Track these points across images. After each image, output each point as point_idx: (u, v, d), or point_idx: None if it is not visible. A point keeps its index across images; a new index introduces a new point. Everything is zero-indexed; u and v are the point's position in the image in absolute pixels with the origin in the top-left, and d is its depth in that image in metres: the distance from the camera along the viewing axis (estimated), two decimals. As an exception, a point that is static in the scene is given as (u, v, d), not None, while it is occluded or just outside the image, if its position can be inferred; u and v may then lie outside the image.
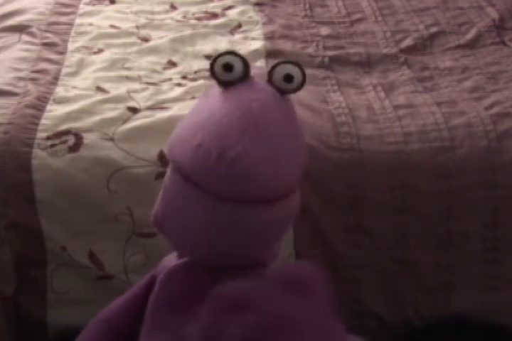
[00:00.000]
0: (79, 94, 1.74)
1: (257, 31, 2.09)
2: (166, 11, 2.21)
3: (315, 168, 1.58)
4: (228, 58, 1.11)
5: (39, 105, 1.69)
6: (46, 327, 1.60)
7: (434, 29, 2.13)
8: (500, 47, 2.04)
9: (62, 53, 1.95)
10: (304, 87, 1.12)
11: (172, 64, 1.92)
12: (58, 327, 1.60)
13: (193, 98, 1.73)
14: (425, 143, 1.64)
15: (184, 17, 2.17)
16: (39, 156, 1.57)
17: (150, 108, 1.70)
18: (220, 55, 1.12)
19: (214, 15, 2.18)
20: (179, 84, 1.80)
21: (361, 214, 1.60)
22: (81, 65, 1.89)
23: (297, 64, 1.11)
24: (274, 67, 1.11)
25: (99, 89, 1.78)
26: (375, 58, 2.00)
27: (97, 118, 1.65)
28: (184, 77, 1.85)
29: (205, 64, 1.90)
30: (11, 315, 1.59)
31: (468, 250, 1.64)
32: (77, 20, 2.12)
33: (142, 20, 2.14)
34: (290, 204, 1.14)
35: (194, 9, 2.22)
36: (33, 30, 2.04)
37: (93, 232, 1.57)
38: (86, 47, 1.98)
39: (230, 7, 2.23)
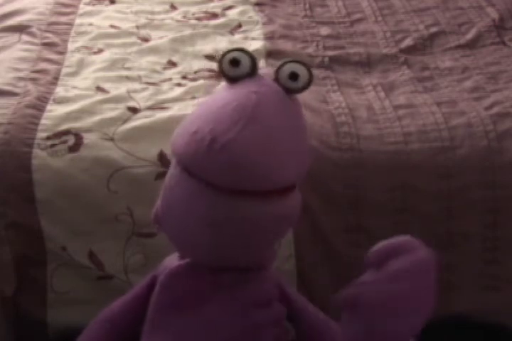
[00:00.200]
0: (79, 94, 1.74)
1: (257, 31, 2.09)
2: (166, 11, 2.22)
3: (315, 168, 1.58)
4: (236, 54, 1.13)
5: (39, 105, 1.69)
6: (46, 327, 1.60)
7: (434, 29, 2.13)
8: (500, 47, 2.04)
9: (62, 53, 1.95)
10: (311, 85, 1.14)
11: (172, 64, 1.92)
12: (58, 327, 1.60)
13: (193, 98, 1.73)
14: (425, 143, 1.64)
15: (184, 17, 2.18)
16: (39, 156, 1.57)
17: (150, 108, 1.70)
18: (229, 51, 1.15)
19: (214, 15, 2.18)
20: (179, 84, 1.80)
21: (361, 214, 1.60)
22: (81, 65, 1.89)
23: (304, 63, 1.13)
24: (280, 66, 1.13)
25: (99, 89, 1.78)
26: (375, 58, 2.00)
27: (97, 118, 1.65)
28: (184, 77, 1.85)
29: (205, 64, 1.90)
30: (11, 315, 1.59)
31: (468, 250, 1.64)
32: (77, 20, 2.12)
33: (142, 20, 2.14)
34: (288, 202, 1.14)
35: (194, 9, 2.22)
36: (33, 30, 2.04)
37: (93, 232, 1.57)
38: (86, 47, 1.98)
39: (230, 7, 2.23)
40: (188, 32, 2.07)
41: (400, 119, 1.70)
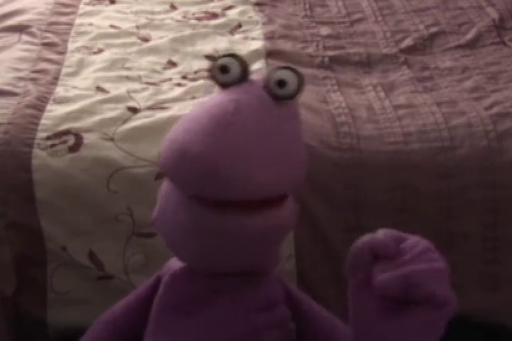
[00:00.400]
0: (79, 94, 1.74)
1: (257, 31, 2.09)
2: (166, 11, 2.22)
3: (315, 168, 1.58)
4: (225, 60, 1.11)
5: (39, 105, 1.69)
6: (46, 327, 1.60)
7: (434, 29, 2.13)
8: (500, 47, 2.04)
9: (62, 53, 1.95)
10: (301, 93, 1.10)
11: (172, 64, 1.92)
12: (58, 327, 1.60)
13: (193, 98, 1.73)
14: (425, 143, 1.64)
15: (184, 17, 2.18)
16: (39, 156, 1.57)
17: (150, 108, 1.70)
18: (220, 56, 1.12)
19: (214, 15, 2.18)
20: (179, 84, 1.80)
21: (361, 214, 1.60)
22: (81, 65, 1.89)
23: (295, 70, 1.09)
24: (270, 72, 1.10)
25: (99, 89, 1.78)
26: (375, 58, 2.00)
27: (97, 118, 1.65)
28: (184, 77, 1.85)
29: (205, 64, 1.90)
30: (11, 315, 1.58)
31: (468, 250, 1.64)
32: (77, 20, 2.13)
33: (142, 20, 2.14)
34: (277, 213, 1.11)
35: (194, 9, 2.23)
36: (33, 30, 2.04)
37: (93, 232, 1.57)
38: (86, 47, 1.98)
39: (230, 7, 2.23)
40: (188, 32, 2.07)
41: (400, 119, 1.70)
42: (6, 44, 1.98)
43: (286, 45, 2.02)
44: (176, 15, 2.19)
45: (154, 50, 1.98)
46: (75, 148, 1.59)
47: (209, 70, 1.12)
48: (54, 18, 2.13)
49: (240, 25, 2.12)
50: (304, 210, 1.58)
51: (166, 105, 1.71)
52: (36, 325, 1.60)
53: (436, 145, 1.63)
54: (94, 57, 1.93)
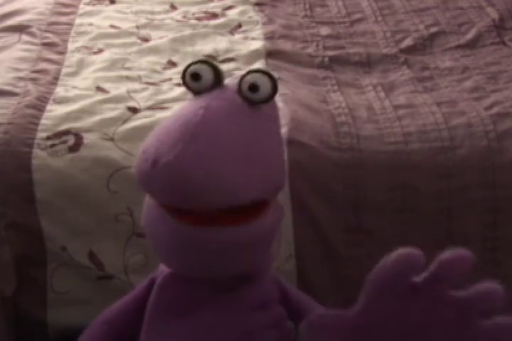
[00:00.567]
0: (79, 94, 1.74)
1: (257, 31, 2.09)
2: (166, 11, 2.22)
3: (315, 168, 1.58)
4: (197, 67, 1.10)
5: (39, 105, 1.69)
6: (46, 327, 1.60)
7: (434, 29, 2.13)
8: (500, 47, 2.04)
9: (62, 53, 1.95)
10: (275, 96, 1.09)
11: (172, 64, 1.92)
12: (58, 327, 1.60)
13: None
14: (425, 143, 1.64)
15: (184, 17, 2.18)
16: (39, 156, 1.57)
17: (150, 108, 1.70)
18: (191, 64, 1.11)
19: (214, 15, 2.18)
20: (179, 84, 1.80)
21: (361, 214, 1.60)
22: (81, 65, 1.89)
23: (268, 73, 1.07)
24: (243, 76, 1.08)
25: (99, 89, 1.78)
26: (375, 58, 2.00)
27: (97, 118, 1.65)
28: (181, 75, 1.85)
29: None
30: (11, 315, 1.58)
31: (468, 250, 1.63)
32: (77, 20, 2.13)
33: (142, 20, 2.14)
34: (258, 221, 1.09)
35: (194, 9, 2.22)
36: (33, 30, 2.04)
37: (93, 232, 1.57)
38: (86, 47, 1.98)
39: (230, 7, 2.23)
40: (188, 32, 2.07)
41: (400, 119, 1.70)
42: (6, 44, 1.98)
43: (286, 45, 2.02)
44: (176, 15, 2.19)
45: (154, 50, 1.98)
46: (75, 148, 1.59)
47: (181, 77, 1.11)
48: (54, 18, 2.13)
49: (239, 25, 2.12)
50: (304, 210, 1.58)
51: (166, 105, 1.71)
52: (36, 325, 1.60)
53: (436, 145, 1.63)
54: (94, 57, 1.93)
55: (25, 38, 2.01)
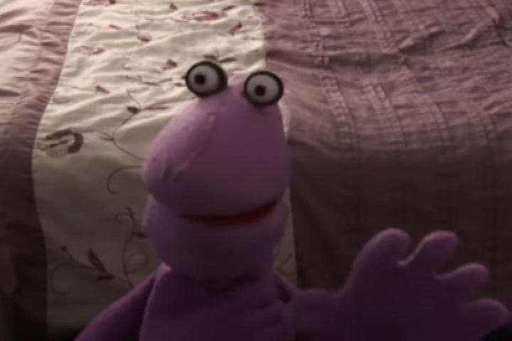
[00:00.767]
0: (79, 94, 1.75)
1: (257, 31, 2.09)
2: (166, 11, 2.22)
3: (315, 168, 1.58)
4: (201, 69, 1.09)
5: (39, 105, 1.69)
6: (46, 327, 1.60)
7: (434, 29, 2.13)
8: (501, 47, 2.04)
9: (62, 53, 1.95)
10: (281, 97, 1.08)
11: (172, 64, 1.92)
12: (58, 327, 1.60)
13: (193, 98, 1.72)
14: (425, 143, 1.64)
15: (184, 17, 2.18)
16: (39, 156, 1.57)
17: (150, 108, 1.70)
18: (195, 65, 1.10)
19: (214, 15, 2.18)
20: (179, 84, 1.80)
21: (361, 214, 1.60)
22: (81, 65, 1.89)
23: (273, 75, 1.06)
24: (249, 78, 1.07)
25: (99, 89, 1.78)
26: (375, 58, 2.00)
27: (97, 118, 1.65)
28: (184, 77, 1.85)
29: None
30: (11, 315, 1.59)
31: (468, 250, 1.63)
32: (77, 20, 2.13)
33: (142, 20, 2.14)
34: (267, 221, 1.09)
35: (194, 9, 2.23)
36: (33, 30, 2.04)
37: (93, 232, 1.57)
38: (86, 47, 1.98)
39: (230, 7, 2.23)
40: (188, 32, 2.07)
41: (400, 119, 1.70)
42: (6, 44, 1.99)
43: (286, 45, 2.02)
44: (176, 15, 2.19)
45: (154, 50, 1.98)
46: (75, 148, 1.59)
47: (185, 80, 1.09)
48: (54, 18, 2.13)
49: (240, 25, 2.12)
50: (304, 210, 1.58)
51: (166, 105, 1.71)
52: (36, 325, 1.60)
53: (436, 145, 1.63)
54: (94, 57, 1.93)
55: (25, 37, 2.01)
